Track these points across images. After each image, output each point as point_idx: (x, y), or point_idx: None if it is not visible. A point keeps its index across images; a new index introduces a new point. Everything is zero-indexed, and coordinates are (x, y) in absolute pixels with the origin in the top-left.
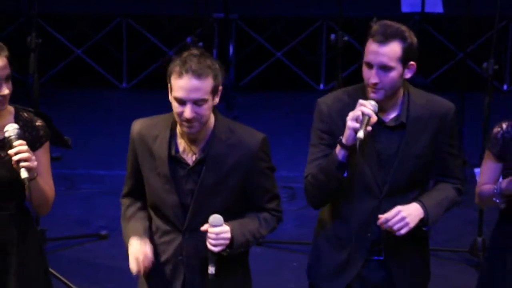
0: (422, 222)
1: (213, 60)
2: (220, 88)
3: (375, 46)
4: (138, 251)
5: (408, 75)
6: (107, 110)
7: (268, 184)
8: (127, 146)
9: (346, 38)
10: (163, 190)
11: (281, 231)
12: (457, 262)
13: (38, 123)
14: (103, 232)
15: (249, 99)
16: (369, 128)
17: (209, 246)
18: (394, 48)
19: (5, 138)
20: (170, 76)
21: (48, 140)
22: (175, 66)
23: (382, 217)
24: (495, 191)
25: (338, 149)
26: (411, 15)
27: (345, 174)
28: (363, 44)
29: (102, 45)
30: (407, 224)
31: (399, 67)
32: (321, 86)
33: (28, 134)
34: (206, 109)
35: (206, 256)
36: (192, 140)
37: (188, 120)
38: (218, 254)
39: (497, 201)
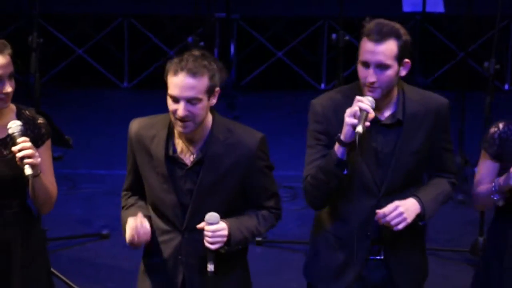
0: (418, 217)
1: (212, 61)
2: (217, 89)
3: (371, 45)
4: (135, 222)
5: (403, 72)
6: (108, 109)
7: (267, 183)
8: None
9: (347, 37)
10: (162, 189)
11: (283, 230)
12: (458, 262)
13: (40, 121)
14: (105, 232)
15: (250, 98)
16: (368, 123)
17: (207, 244)
18: (390, 47)
19: (7, 136)
20: (167, 74)
21: (50, 138)
22: (172, 64)
23: (380, 212)
24: (493, 188)
25: (336, 146)
26: (412, 15)
27: (345, 172)
28: None
29: (103, 44)
30: (404, 219)
31: (395, 65)
32: (322, 85)
33: (30, 132)
34: (200, 109)
35: (205, 255)
36: (189, 140)
37: (181, 119)
38: (216, 251)
39: (496, 198)
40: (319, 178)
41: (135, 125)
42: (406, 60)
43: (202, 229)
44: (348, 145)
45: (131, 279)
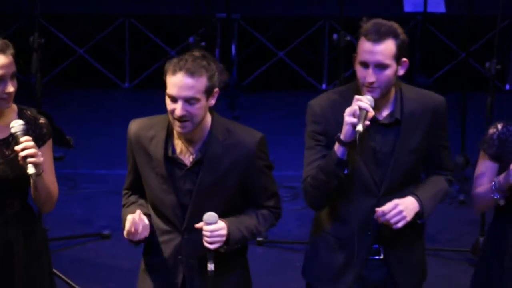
0: (417, 215)
1: (212, 62)
2: (216, 90)
3: (369, 45)
4: (134, 217)
5: (401, 71)
6: (109, 109)
7: (266, 183)
8: None
9: (348, 37)
10: (161, 190)
11: (284, 230)
12: (459, 262)
13: (41, 120)
14: (105, 232)
15: (251, 98)
16: (367, 122)
17: (205, 244)
18: (389, 46)
19: (9, 136)
20: (166, 74)
21: (51, 138)
22: (171, 64)
23: (379, 210)
24: (493, 187)
25: (336, 146)
26: (414, 15)
27: (346, 171)
28: None
29: (104, 45)
30: (404, 217)
31: (393, 65)
32: (324, 85)
33: (31, 132)
34: (198, 109)
35: (205, 255)
36: (189, 140)
37: (179, 119)
38: (215, 251)
39: (496, 197)
40: (319, 179)
41: (134, 125)
42: (404, 59)
43: (201, 229)
44: (348, 145)
45: (132, 279)
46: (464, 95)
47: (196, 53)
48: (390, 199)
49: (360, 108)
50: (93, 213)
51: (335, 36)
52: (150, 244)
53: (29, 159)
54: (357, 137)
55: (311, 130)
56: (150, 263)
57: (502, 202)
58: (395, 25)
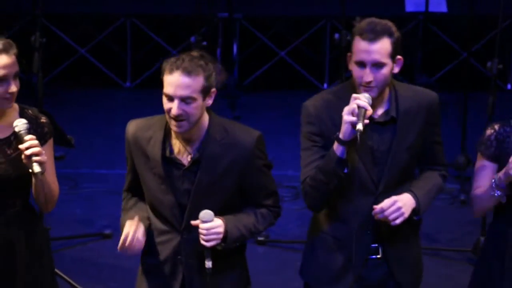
0: (413, 212)
1: (210, 62)
2: (214, 90)
3: (365, 45)
4: (129, 229)
5: (396, 69)
6: (110, 109)
7: (265, 182)
8: None
9: (349, 37)
10: (159, 190)
11: (284, 230)
12: (460, 261)
13: (43, 120)
14: (107, 231)
15: (252, 98)
16: (367, 121)
17: (202, 242)
18: (384, 45)
19: (11, 135)
20: (163, 73)
21: (52, 137)
22: (168, 63)
23: (378, 207)
24: (493, 184)
25: (336, 146)
26: (415, 15)
27: (346, 170)
28: None
29: (106, 44)
30: (402, 214)
31: (390, 63)
32: (325, 85)
33: (33, 131)
34: (194, 108)
35: (203, 254)
36: (186, 140)
37: (175, 118)
38: (212, 248)
39: (497, 194)
40: (318, 179)
41: (132, 126)
42: (399, 56)
43: (197, 227)
44: (348, 144)
45: (133, 279)
46: (465, 94)
47: (194, 53)
48: (387, 197)
49: (359, 107)
50: (94, 212)
51: (336, 35)
52: (148, 244)
53: (34, 158)
54: (358, 136)
55: (306, 131)
56: (148, 264)
57: (504, 199)
58: (389, 23)
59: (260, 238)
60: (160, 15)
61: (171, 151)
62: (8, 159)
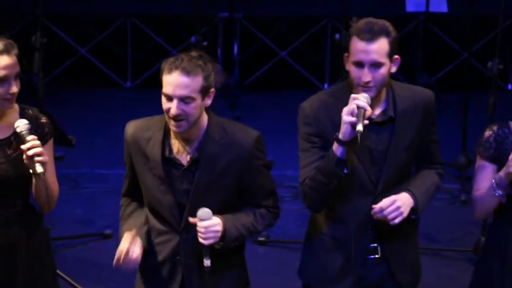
0: (412, 210)
1: (209, 62)
2: (212, 90)
3: (363, 45)
4: (124, 246)
5: (393, 69)
6: (111, 109)
7: (264, 182)
8: None
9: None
10: (159, 190)
11: (285, 230)
12: (461, 261)
13: (43, 120)
14: (107, 231)
15: (253, 98)
16: (366, 121)
17: (200, 240)
18: (382, 44)
19: (11, 135)
20: (162, 73)
21: (52, 137)
22: (167, 63)
23: (377, 206)
24: (494, 184)
25: (335, 146)
26: (416, 15)
27: (346, 171)
28: None
29: (106, 44)
30: (401, 213)
31: (387, 62)
32: (326, 85)
33: (33, 131)
34: (193, 108)
35: (202, 253)
36: (185, 140)
37: (174, 117)
38: (211, 247)
39: (499, 194)
40: (318, 180)
41: (131, 127)
42: (396, 56)
43: (195, 225)
44: (347, 144)
45: (134, 279)
46: (466, 95)
47: (193, 53)
48: (386, 197)
49: (358, 107)
50: (95, 212)
51: (337, 35)
52: (147, 245)
53: (37, 158)
54: (359, 137)
55: (304, 132)
56: (148, 264)
57: (504, 199)
58: (386, 23)
59: (260, 238)
60: (161, 15)
61: (170, 151)
62: (9, 159)
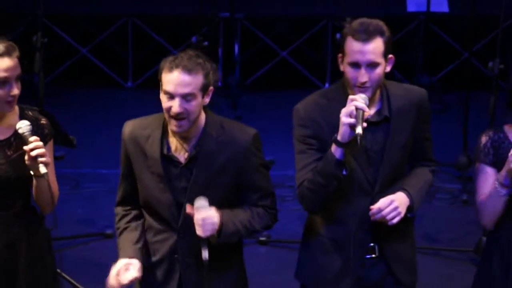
0: (408, 209)
1: (207, 61)
2: (211, 88)
3: (359, 45)
4: (116, 273)
5: (388, 68)
6: (112, 109)
7: (261, 181)
8: None
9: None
10: (157, 189)
11: (286, 230)
12: (462, 261)
13: (43, 121)
14: (108, 231)
15: (254, 98)
16: (365, 124)
17: (197, 232)
18: (378, 44)
19: (11, 136)
20: (160, 72)
21: (52, 139)
22: (167, 63)
23: (375, 207)
24: (497, 184)
25: (334, 148)
26: (417, 14)
27: (344, 172)
28: None
29: (107, 44)
30: (399, 213)
31: (383, 62)
32: (327, 85)
33: (33, 132)
34: (194, 106)
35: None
36: (183, 138)
37: (176, 115)
38: (208, 239)
39: (503, 193)
40: (317, 182)
41: (129, 126)
42: (390, 55)
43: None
44: (346, 146)
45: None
46: (467, 94)
47: (190, 52)
48: (383, 196)
49: (357, 108)
50: (96, 212)
51: (338, 35)
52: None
53: (40, 159)
54: (358, 140)
55: (300, 134)
56: (145, 263)
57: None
58: (380, 23)
59: (261, 238)
60: (162, 15)
61: (169, 148)
62: (8, 160)
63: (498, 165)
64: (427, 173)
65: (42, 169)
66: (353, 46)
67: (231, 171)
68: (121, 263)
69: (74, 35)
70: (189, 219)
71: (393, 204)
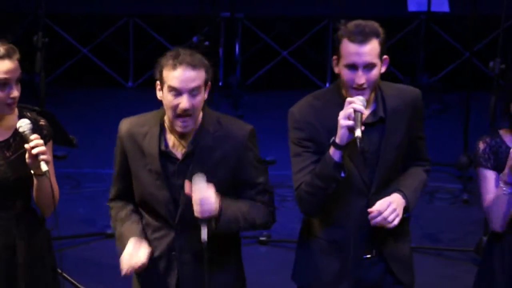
0: (404, 210)
1: (203, 57)
2: (209, 83)
3: (355, 47)
4: (133, 252)
5: (383, 69)
6: (113, 109)
7: (258, 177)
8: None
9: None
10: (155, 186)
11: (286, 230)
12: (463, 261)
13: (42, 122)
14: (109, 231)
15: (255, 98)
16: (363, 127)
17: (196, 214)
18: (374, 46)
19: (10, 137)
20: (161, 71)
21: (51, 139)
22: (168, 60)
23: (374, 210)
24: (502, 184)
25: (332, 150)
26: (417, 14)
27: (343, 174)
28: None
29: (108, 44)
30: (397, 215)
31: (379, 63)
32: (327, 85)
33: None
34: (199, 101)
35: (199, 250)
36: (181, 134)
37: (184, 112)
38: (207, 220)
39: (509, 191)
40: (315, 185)
41: (126, 124)
42: (385, 56)
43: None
44: (344, 148)
45: None
46: (467, 94)
47: (187, 49)
48: (379, 198)
49: (355, 111)
50: (97, 212)
51: None
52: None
53: (41, 157)
54: (358, 143)
55: (296, 137)
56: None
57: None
58: (375, 24)
59: (262, 238)
60: (163, 15)
61: (166, 145)
62: (7, 162)
63: (499, 169)
64: (421, 173)
65: (44, 167)
66: (349, 48)
67: (228, 166)
68: (131, 242)
69: (75, 35)
70: (187, 216)
71: (391, 206)
